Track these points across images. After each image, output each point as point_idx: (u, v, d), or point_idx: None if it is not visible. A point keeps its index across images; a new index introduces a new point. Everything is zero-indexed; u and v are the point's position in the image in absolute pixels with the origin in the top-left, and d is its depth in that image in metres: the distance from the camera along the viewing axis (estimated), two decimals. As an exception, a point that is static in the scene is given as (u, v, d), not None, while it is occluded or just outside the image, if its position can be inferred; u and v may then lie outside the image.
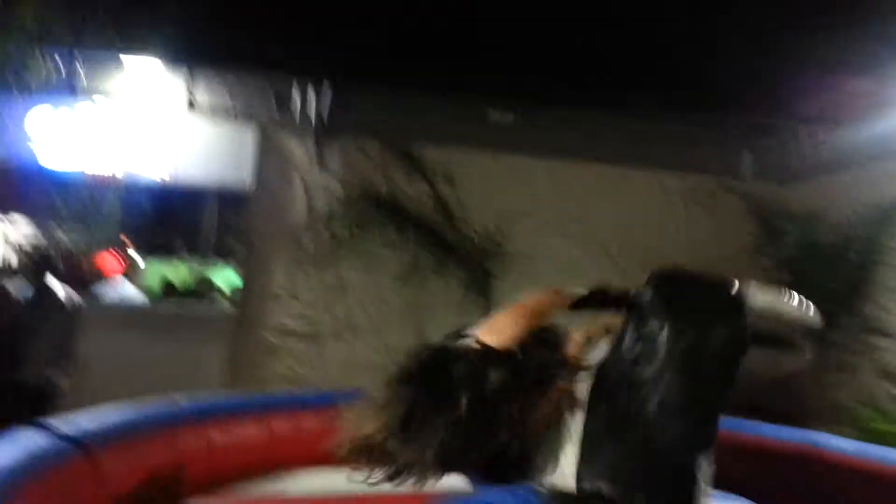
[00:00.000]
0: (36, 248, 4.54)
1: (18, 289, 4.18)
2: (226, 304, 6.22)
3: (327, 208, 5.74)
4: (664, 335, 1.54)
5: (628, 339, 1.57)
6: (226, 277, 6.98)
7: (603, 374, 1.61)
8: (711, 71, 4.96)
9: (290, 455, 3.40)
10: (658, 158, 6.67)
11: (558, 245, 6.53)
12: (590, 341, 1.63)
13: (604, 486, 1.51)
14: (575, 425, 1.58)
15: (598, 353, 1.63)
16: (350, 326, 6.14)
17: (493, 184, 6.36)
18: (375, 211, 5.42)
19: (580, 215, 6.60)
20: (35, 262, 4.32)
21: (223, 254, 6.76)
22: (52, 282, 4.38)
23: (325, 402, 3.72)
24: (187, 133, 5.95)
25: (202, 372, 5.54)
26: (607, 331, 1.64)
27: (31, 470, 2.05)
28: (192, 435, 2.99)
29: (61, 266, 4.46)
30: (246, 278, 6.06)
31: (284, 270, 6.03)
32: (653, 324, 1.56)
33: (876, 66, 4.54)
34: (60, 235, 6.05)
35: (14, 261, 4.73)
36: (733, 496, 3.42)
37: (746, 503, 3.42)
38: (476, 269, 5.53)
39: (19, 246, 5.00)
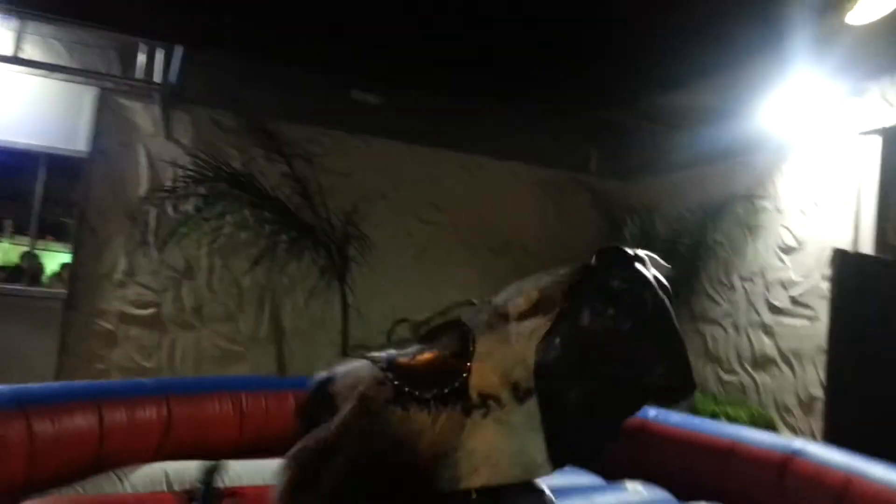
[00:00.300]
0: None
1: None
2: (57, 288, 5.64)
3: (173, 183, 5.36)
4: (635, 297, 2.03)
5: (591, 309, 2.07)
6: (56, 257, 6.34)
7: (559, 356, 2.03)
8: (562, 68, 5.18)
9: (124, 447, 3.17)
10: (512, 150, 6.91)
11: (416, 229, 6.58)
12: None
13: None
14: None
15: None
16: (198, 312, 5.80)
17: (352, 165, 6.27)
18: (228, 188, 5.12)
19: (437, 200, 6.69)
20: None
21: (53, 230, 6.12)
22: None
23: (163, 391, 3.49)
24: (14, 91, 5.31)
25: (32, 362, 5.00)
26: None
27: None
28: (11, 424, 2.70)
29: None
30: (78, 258, 5.53)
31: (123, 250, 5.56)
32: (619, 288, 2.05)
33: (710, 75, 4.95)
34: None
35: None
36: (576, 469, 3.64)
37: (590, 476, 3.65)
38: (334, 253, 5.42)
39: None
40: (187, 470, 3.15)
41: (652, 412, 4.04)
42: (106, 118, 5.54)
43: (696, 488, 3.39)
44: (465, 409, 2.05)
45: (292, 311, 6.01)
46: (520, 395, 2.07)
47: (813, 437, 4.81)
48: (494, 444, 2.04)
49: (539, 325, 2.12)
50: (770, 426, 5.05)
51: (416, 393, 2.08)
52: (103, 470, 3.08)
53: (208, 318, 5.81)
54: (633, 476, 3.55)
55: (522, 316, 2.17)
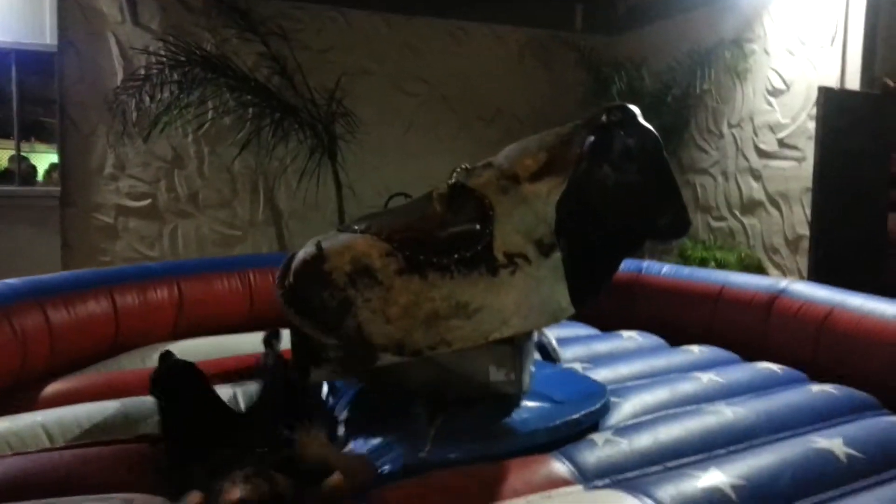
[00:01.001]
0: None
1: None
2: (50, 187, 5.64)
3: (146, 71, 5.22)
4: (645, 151, 2.16)
5: (605, 165, 2.17)
6: (44, 157, 6.30)
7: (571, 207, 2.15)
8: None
9: (139, 329, 3.32)
10: (496, 13, 6.66)
11: (402, 102, 6.48)
12: None
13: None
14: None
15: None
16: (193, 200, 5.85)
17: (331, 41, 6.08)
18: (203, 73, 4.97)
19: (422, 71, 6.54)
20: None
21: (36, 131, 6.04)
22: None
23: (171, 273, 3.61)
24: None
25: (38, 260, 5.10)
26: None
27: None
28: (28, 313, 2.81)
29: None
30: (66, 155, 5.50)
31: (108, 143, 5.52)
32: (631, 143, 2.17)
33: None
34: None
35: None
36: (575, 323, 3.83)
37: (587, 328, 3.85)
38: (321, 132, 5.36)
39: None
40: (201, 346, 3.32)
41: (643, 264, 4.19)
42: (70, 8, 5.31)
43: (687, 333, 3.59)
44: (490, 270, 2.16)
45: (286, 194, 6.05)
46: (544, 250, 2.19)
47: (800, 275, 5.03)
48: (523, 297, 2.17)
49: (555, 184, 2.20)
50: (759, 268, 5.26)
51: (434, 260, 2.19)
52: (122, 352, 3.24)
53: (204, 205, 5.87)
54: (628, 327, 3.74)
55: (534, 177, 2.24)
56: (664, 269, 4.08)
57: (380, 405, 2.41)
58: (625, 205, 2.26)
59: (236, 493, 1.63)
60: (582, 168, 2.22)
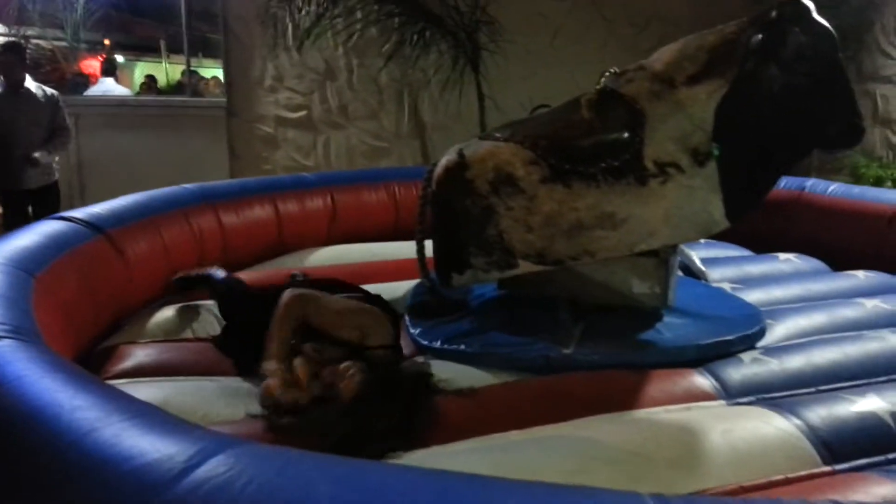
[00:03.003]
0: (3, 47, 4.37)
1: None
2: (218, 98, 6.10)
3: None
4: (817, 51, 1.99)
5: (773, 65, 1.98)
6: (210, 71, 6.79)
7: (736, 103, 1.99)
8: None
9: (297, 234, 3.58)
10: None
11: (548, 8, 6.22)
12: None
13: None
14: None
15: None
16: (344, 112, 6.07)
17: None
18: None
19: (572, -26, 6.21)
20: (3, 60, 4.17)
21: (203, 46, 6.48)
22: (30, 82, 4.28)
23: (325, 184, 3.84)
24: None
25: (209, 166, 5.60)
26: None
27: (55, 251, 2.18)
28: (204, 215, 3.11)
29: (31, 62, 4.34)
30: (230, 68, 5.87)
31: (267, 56, 5.81)
32: (802, 42, 1.99)
33: None
34: (41, 41, 5.77)
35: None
36: (725, 243, 3.66)
37: (740, 249, 3.66)
38: (464, 41, 5.30)
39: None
40: (352, 252, 3.53)
41: (808, 182, 3.88)
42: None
43: (853, 258, 3.31)
44: (639, 179, 2.10)
45: (430, 106, 6.10)
46: (700, 158, 2.07)
47: None
48: (674, 208, 2.10)
49: (715, 87, 2.06)
50: (944, 189, 4.69)
51: (580, 169, 2.16)
52: (283, 254, 3.53)
53: (353, 116, 6.08)
54: (785, 249, 3.51)
55: (692, 80, 2.10)
56: (831, 188, 3.75)
57: (520, 306, 2.47)
58: (792, 110, 2.08)
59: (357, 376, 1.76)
60: (747, 69, 2.05)
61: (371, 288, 2.83)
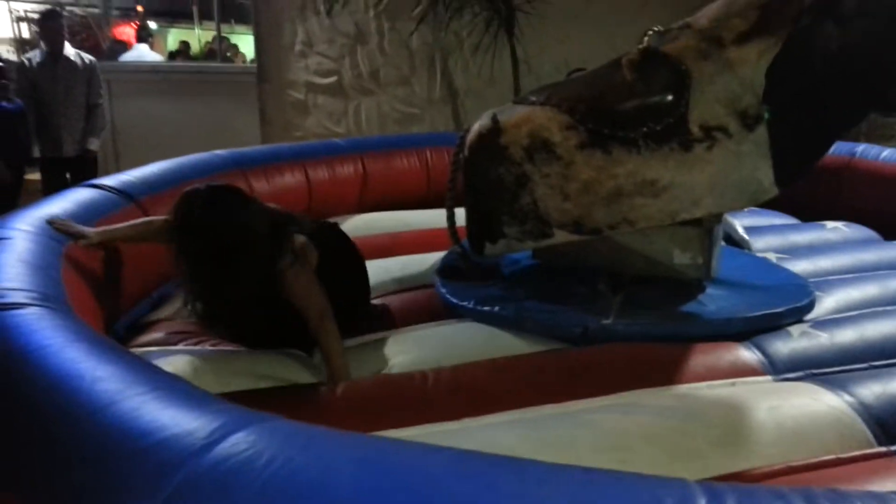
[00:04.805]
0: (44, 15, 4.38)
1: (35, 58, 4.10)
2: (249, 64, 6.06)
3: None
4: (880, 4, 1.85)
5: (831, 22, 1.84)
6: (242, 38, 6.75)
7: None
8: None
9: (328, 201, 3.54)
10: None
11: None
12: None
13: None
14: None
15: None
16: (375, 77, 5.97)
17: None
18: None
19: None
20: (43, 28, 4.20)
21: (235, 12, 6.43)
22: (69, 49, 4.29)
23: (357, 150, 3.78)
24: None
25: (240, 131, 5.58)
26: None
27: (86, 219, 2.17)
28: (235, 183, 3.08)
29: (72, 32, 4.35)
30: (260, 33, 5.81)
31: (297, 20, 5.73)
32: None
33: None
34: (75, 9, 5.78)
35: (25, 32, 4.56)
36: (773, 212, 3.52)
37: (785, 217, 3.52)
38: (499, 2, 5.14)
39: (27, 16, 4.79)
40: (383, 220, 3.49)
41: (858, 148, 3.69)
42: None
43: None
44: (683, 144, 1.99)
45: (462, 70, 5.97)
46: (749, 122, 1.96)
47: None
48: (720, 174, 1.99)
49: (766, 46, 1.93)
50: None
51: (620, 133, 2.06)
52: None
53: (384, 82, 5.98)
54: (833, 217, 3.36)
55: (742, 38, 1.97)
56: (884, 154, 3.57)
57: (555, 276, 2.39)
58: (849, 71, 1.95)
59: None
60: (802, 26, 1.91)
61: (402, 259, 2.80)
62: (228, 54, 6.46)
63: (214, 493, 0.83)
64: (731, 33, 2.00)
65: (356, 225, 3.45)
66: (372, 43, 5.89)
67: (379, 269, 2.68)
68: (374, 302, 2.35)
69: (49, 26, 4.16)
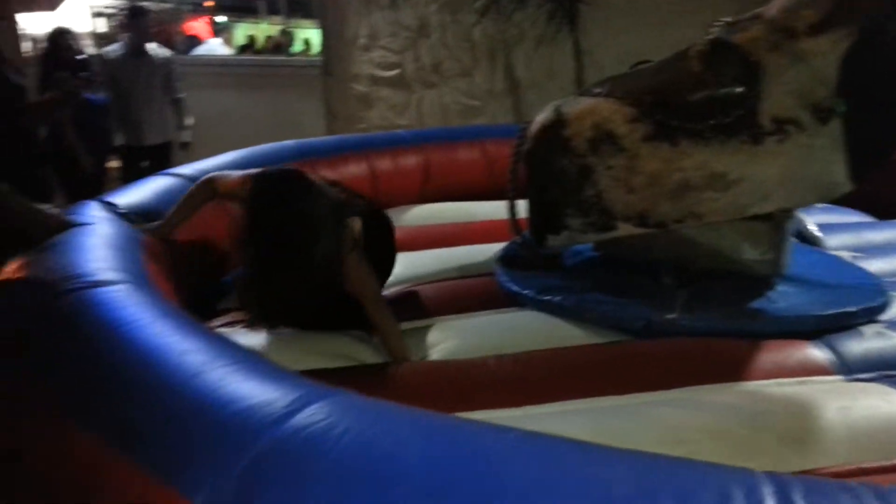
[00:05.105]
0: (132, 11, 4.57)
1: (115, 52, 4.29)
2: (316, 58, 6.20)
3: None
4: None
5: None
6: (307, 32, 6.89)
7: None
8: None
9: (391, 191, 3.60)
10: None
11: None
12: None
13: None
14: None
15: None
16: (437, 70, 6.02)
17: None
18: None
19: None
20: (126, 23, 4.38)
21: (302, 7, 6.58)
22: (149, 45, 4.48)
23: (419, 141, 3.83)
24: None
25: (305, 124, 5.72)
26: None
27: (164, 206, 2.28)
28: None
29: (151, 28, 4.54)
30: (325, 27, 5.93)
31: (361, 14, 5.82)
32: None
33: None
34: (149, 4, 6.01)
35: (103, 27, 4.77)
36: (843, 208, 3.40)
37: (860, 215, 3.39)
38: (562, -6, 5.11)
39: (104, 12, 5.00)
40: (445, 211, 3.52)
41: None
42: None
43: None
44: (754, 137, 1.95)
45: (524, 62, 5.94)
46: (822, 115, 1.91)
47: None
48: (792, 168, 1.95)
49: (841, 37, 1.88)
50: None
51: (688, 126, 2.02)
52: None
53: (447, 74, 6.01)
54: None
55: (815, 29, 1.91)
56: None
57: (618, 268, 2.38)
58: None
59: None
60: (880, 15, 1.85)
61: (463, 249, 2.83)
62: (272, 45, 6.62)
63: (293, 459, 0.87)
64: (804, 24, 1.95)
65: (419, 215, 3.51)
66: (434, 36, 5.93)
67: (440, 258, 2.73)
68: (407, 289, 2.39)
69: (136, 23, 4.34)
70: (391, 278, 2.39)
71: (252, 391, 1.01)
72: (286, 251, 1.78)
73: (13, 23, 4.84)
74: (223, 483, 0.86)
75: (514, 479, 0.84)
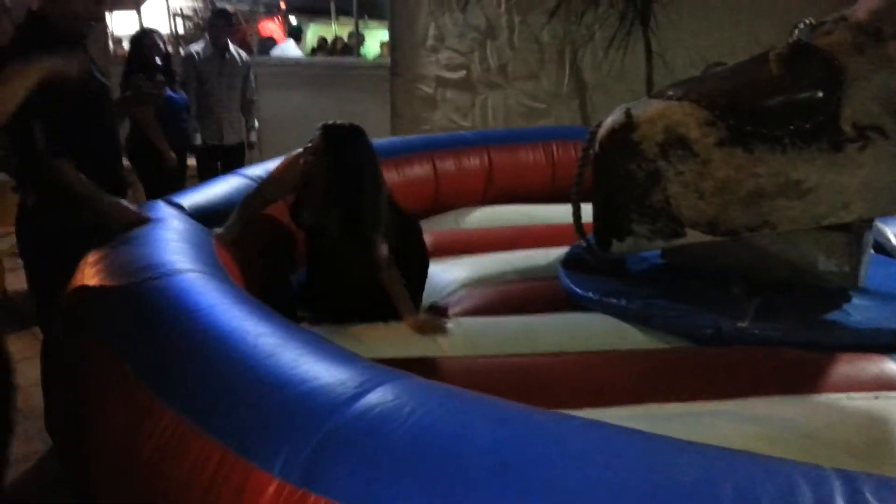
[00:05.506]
0: (217, 13, 4.74)
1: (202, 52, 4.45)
2: (384, 60, 6.30)
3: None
4: None
5: None
6: (380, 34, 7.01)
7: None
8: None
9: (454, 192, 3.62)
10: None
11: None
12: None
13: None
14: None
15: None
16: (503, 71, 6.02)
17: None
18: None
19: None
20: (213, 25, 4.53)
21: (372, 8, 6.70)
22: (231, 47, 4.64)
23: (483, 143, 3.84)
24: None
25: (371, 123, 5.79)
26: None
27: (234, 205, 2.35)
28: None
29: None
30: (394, 29, 6.01)
31: (431, 15, 5.87)
32: None
33: None
34: (227, 6, 6.22)
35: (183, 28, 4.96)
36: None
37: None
38: (634, -5, 5.01)
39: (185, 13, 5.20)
40: (507, 213, 3.52)
41: None
42: None
43: None
44: (834, 144, 1.90)
45: (592, 64, 5.88)
46: None
47: None
48: (873, 177, 1.88)
49: None
50: None
51: (764, 131, 1.97)
52: (440, 213, 3.59)
53: (513, 76, 6.01)
54: None
55: None
56: None
57: (685, 276, 2.34)
58: None
59: None
60: None
61: (526, 253, 2.83)
62: (339, 47, 6.75)
63: (363, 436, 0.91)
64: (892, 26, 1.88)
65: (481, 216, 3.52)
66: (502, 37, 5.94)
67: (503, 261, 2.73)
68: (473, 291, 2.45)
69: (220, 24, 4.50)
70: (455, 281, 2.43)
71: (325, 372, 1.05)
72: (362, 181, 2.13)
73: (103, 23, 5.07)
74: (297, 457, 0.90)
75: (578, 462, 0.85)
